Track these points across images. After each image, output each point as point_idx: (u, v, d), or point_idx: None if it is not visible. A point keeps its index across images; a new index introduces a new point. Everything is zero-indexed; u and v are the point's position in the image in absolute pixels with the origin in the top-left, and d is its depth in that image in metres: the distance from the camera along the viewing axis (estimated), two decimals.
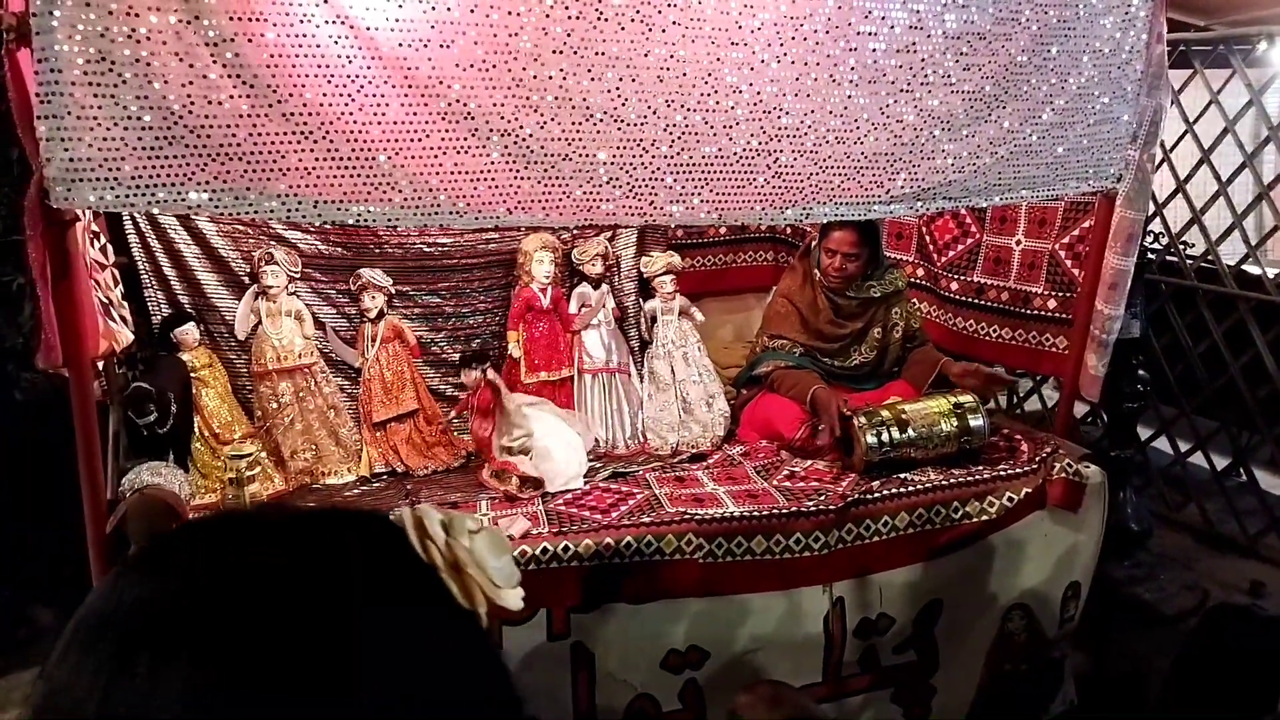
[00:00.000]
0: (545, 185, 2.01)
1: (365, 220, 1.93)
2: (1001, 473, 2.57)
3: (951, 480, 2.53)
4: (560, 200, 2.03)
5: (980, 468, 2.60)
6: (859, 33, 2.14)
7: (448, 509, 0.59)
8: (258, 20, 1.75)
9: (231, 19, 1.73)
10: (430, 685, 0.49)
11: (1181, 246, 3.53)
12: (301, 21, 1.78)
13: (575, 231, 3.05)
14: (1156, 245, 3.73)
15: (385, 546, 0.55)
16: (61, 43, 1.63)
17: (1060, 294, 2.99)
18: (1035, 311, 3.08)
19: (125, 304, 2.48)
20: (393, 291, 2.81)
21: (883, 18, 2.14)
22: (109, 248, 2.45)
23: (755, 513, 2.35)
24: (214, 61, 1.74)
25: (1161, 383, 3.46)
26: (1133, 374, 3.11)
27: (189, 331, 2.62)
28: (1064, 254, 3.00)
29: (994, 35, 2.25)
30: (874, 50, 2.17)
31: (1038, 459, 2.62)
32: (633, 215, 2.11)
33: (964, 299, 3.30)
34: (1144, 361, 3.18)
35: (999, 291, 3.19)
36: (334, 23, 1.81)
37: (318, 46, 1.80)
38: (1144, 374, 3.14)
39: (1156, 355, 3.45)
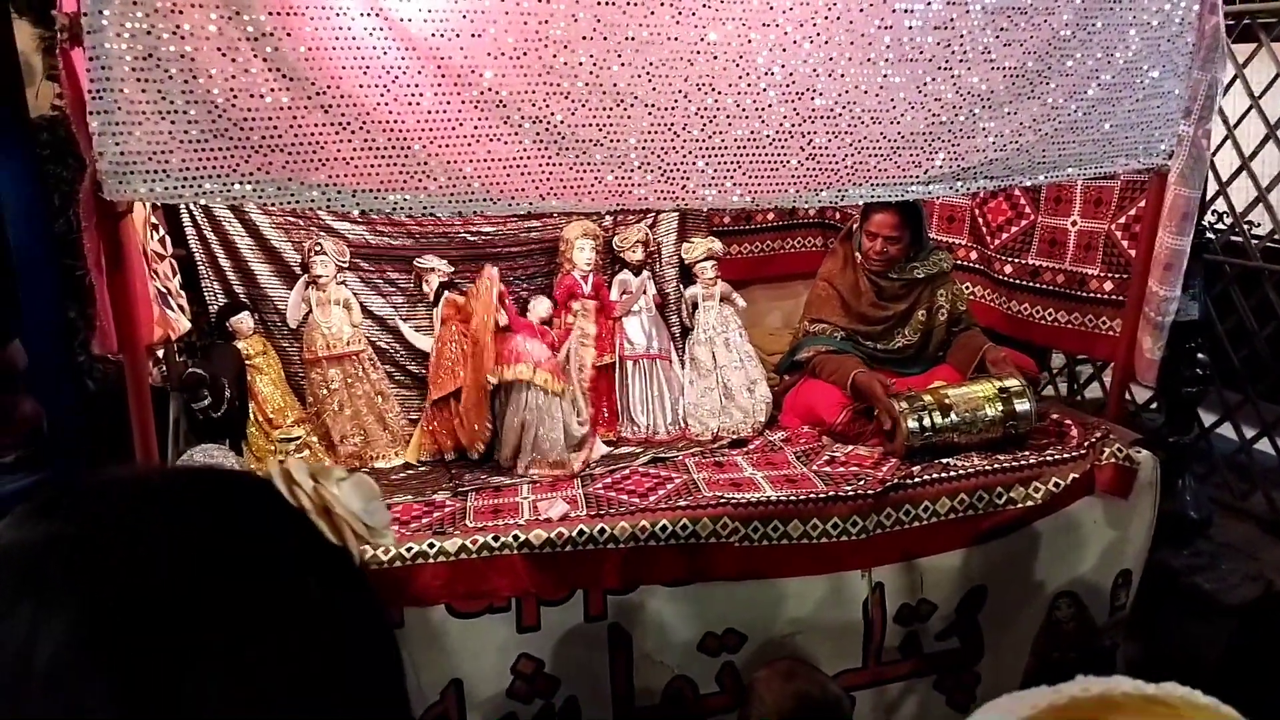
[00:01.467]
0: (577, 171, 2.04)
1: (402, 208, 1.98)
2: (1048, 458, 2.52)
3: (996, 465, 2.49)
4: (592, 185, 2.05)
5: (1026, 453, 2.55)
6: (894, 10, 2.11)
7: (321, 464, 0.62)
8: (296, 15, 1.80)
9: (271, 14, 1.79)
10: (301, 620, 0.51)
11: (1246, 226, 3.39)
12: (338, 15, 1.83)
13: (616, 218, 3.08)
14: (1220, 225, 3.59)
15: (256, 495, 0.57)
16: (111, 41, 1.70)
17: (1117, 275, 2.91)
18: (1091, 294, 3.01)
19: (183, 294, 2.59)
20: (445, 270, 2.87)
21: None
22: (168, 239, 2.56)
23: (792, 497, 2.34)
24: (255, 56, 1.80)
25: (1226, 367, 3.34)
26: (1191, 358, 3.00)
27: (244, 320, 2.72)
28: (1121, 234, 2.92)
29: (1035, 9, 2.20)
30: (910, 28, 2.13)
31: (1087, 444, 2.56)
32: (665, 199, 2.12)
33: (1018, 282, 3.23)
34: (1203, 344, 3.07)
35: (1054, 274, 3.12)
36: (369, 15, 1.85)
37: (353, 39, 1.85)
38: (1203, 357, 3.03)
39: (1220, 338, 3.33)
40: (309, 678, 0.50)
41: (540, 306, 2.88)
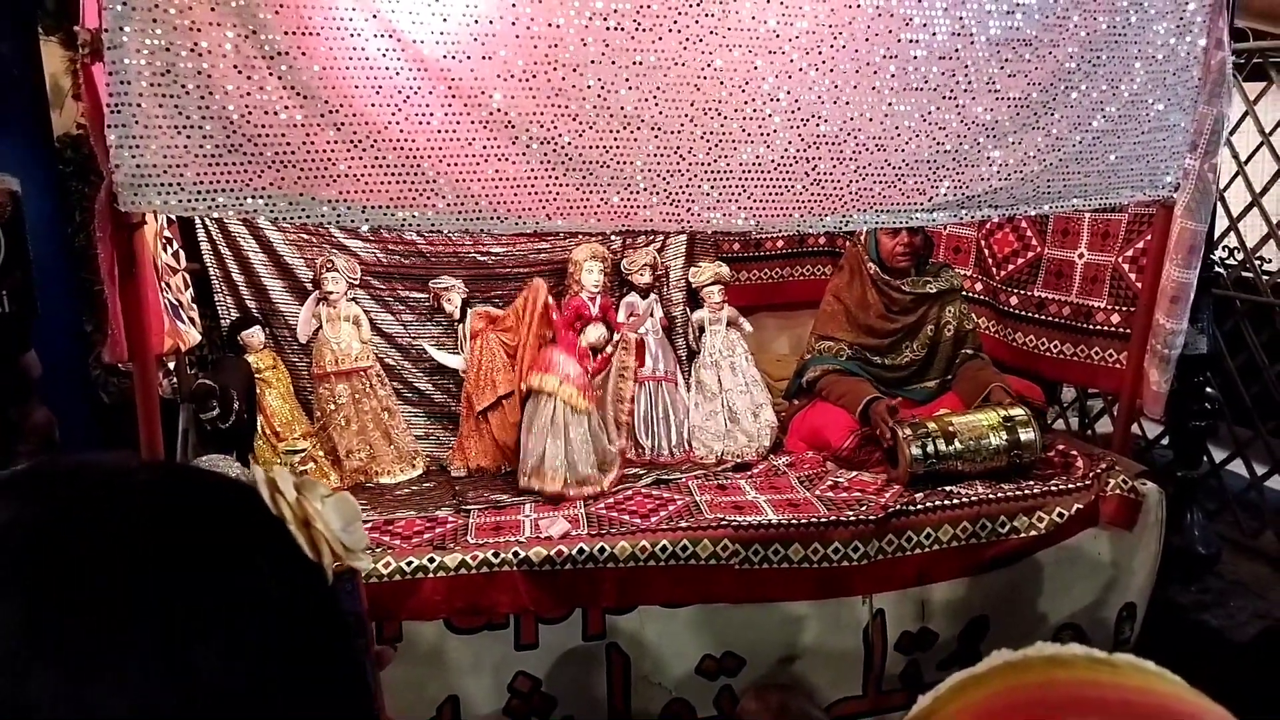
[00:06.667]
0: (583, 191, 2.06)
1: (410, 224, 2.01)
2: (1052, 488, 2.51)
3: (999, 494, 2.48)
4: (598, 206, 2.08)
5: (1030, 482, 2.54)
6: (900, 40, 2.14)
7: (305, 477, 0.61)
8: (311, 35, 1.85)
9: (286, 34, 1.83)
10: (264, 631, 0.50)
11: (1257, 262, 3.39)
12: (352, 36, 1.88)
13: (625, 241, 3.11)
14: (1231, 261, 3.58)
15: (235, 498, 0.56)
16: (131, 56, 1.75)
17: (1124, 308, 2.91)
18: (1098, 326, 3.01)
19: (195, 307, 2.63)
20: (463, 288, 2.91)
21: (924, 25, 2.14)
22: (181, 254, 2.60)
23: (792, 521, 2.34)
24: (270, 74, 1.84)
25: (1237, 403, 3.32)
26: (1199, 392, 2.99)
27: (255, 334, 2.75)
28: (1128, 267, 2.92)
29: (1041, 41, 2.22)
30: (915, 57, 2.16)
31: (1092, 475, 2.55)
32: (670, 222, 2.14)
33: (1024, 313, 3.23)
34: (1211, 379, 3.06)
35: (1060, 306, 3.12)
36: (382, 36, 1.89)
37: (367, 59, 1.89)
38: (1212, 392, 3.02)
39: (1231, 374, 3.31)
40: (256, 684, 0.48)
41: (594, 332, 2.86)
